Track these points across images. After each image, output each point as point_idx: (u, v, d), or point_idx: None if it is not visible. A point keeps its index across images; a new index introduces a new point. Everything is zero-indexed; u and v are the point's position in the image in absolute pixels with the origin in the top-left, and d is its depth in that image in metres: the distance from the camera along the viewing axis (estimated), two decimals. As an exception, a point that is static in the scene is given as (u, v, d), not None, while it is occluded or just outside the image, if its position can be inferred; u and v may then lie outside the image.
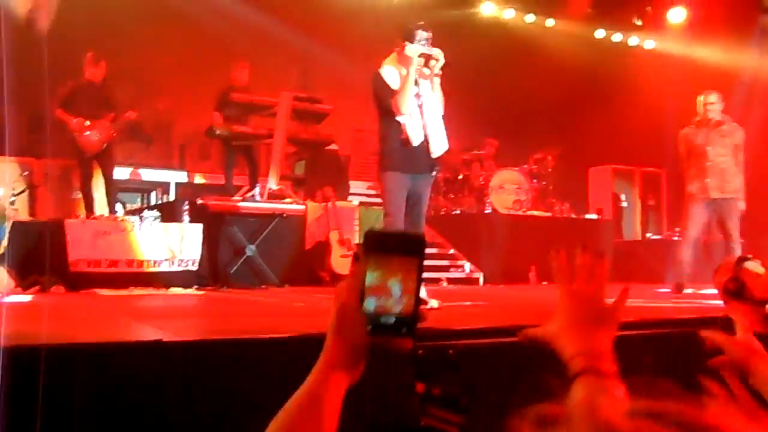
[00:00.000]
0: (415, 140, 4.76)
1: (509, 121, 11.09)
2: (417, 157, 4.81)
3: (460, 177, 10.23)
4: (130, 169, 9.19)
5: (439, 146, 4.87)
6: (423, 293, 0.96)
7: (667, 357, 3.34)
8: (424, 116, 4.82)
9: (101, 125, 7.55)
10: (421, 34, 4.83)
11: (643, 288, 6.79)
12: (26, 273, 6.12)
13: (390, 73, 4.82)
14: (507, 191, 9.73)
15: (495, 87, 11.27)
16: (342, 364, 0.95)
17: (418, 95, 4.82)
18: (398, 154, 4.79)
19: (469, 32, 11.43)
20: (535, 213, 9.79)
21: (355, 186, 10.25)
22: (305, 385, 0.96)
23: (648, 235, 11.09)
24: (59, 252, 6.41)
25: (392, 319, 0.93)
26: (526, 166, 10.15)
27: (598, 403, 0.66)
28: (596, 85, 11.42)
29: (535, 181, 10.10)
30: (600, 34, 12.62)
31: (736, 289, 3.27)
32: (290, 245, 7.74)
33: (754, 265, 3.34)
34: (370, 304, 0.93)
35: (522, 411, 0.70)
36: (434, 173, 5.02)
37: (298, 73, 10.94)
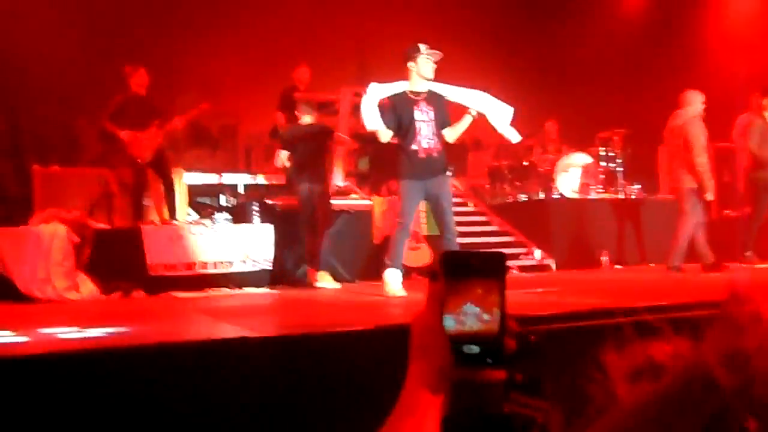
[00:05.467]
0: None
1: (571, 100, 10.86)
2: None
3: (525, 163, 10.08)
4: (203, 174, 9.36)
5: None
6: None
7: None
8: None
9: (149, 134, 7.61)
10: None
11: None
12: (108, 279, 6.35)
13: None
14: (573, 174, 9.54)
15: (554, 65, 11.07)
16: (429, 387, 0.85)
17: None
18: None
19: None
20: (605, 196, 9.57)
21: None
22: (393, 417, 0.87)
23: (726, 212, 10.66)
24: (138, 257, 6.62)
25: (475, 349, 0.85)
26: (592, 148, 9.91)
27: None
28: (662, 59, 11.08)
29: (602, 162, 9.87)
30: None
31: None
32: (359, 240, 7.77)
33: None
34: (450, 324, 0.85)
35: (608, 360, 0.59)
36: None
37: (356, 68, 10.99)
